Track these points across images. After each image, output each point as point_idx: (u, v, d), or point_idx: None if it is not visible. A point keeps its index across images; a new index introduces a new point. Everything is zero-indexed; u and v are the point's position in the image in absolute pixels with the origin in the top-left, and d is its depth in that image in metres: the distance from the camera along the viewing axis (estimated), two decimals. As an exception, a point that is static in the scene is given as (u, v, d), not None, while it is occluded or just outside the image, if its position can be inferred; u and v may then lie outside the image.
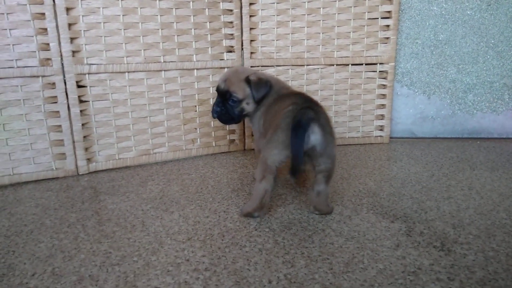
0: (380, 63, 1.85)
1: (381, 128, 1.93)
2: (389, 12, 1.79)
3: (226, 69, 1.72)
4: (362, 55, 1.82)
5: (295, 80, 1.80)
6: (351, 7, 1.76)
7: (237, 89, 1.28)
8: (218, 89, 1.33)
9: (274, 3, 1.71)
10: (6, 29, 1.33)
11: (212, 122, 1.76)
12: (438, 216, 1.15)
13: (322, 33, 1.77)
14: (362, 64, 1.83)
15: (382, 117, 1.91)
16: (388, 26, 1.81)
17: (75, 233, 1.07)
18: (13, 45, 1.35)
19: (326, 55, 1.80)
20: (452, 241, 1.01)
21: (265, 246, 0.99)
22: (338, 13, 1.76)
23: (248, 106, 1.31)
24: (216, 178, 1.48)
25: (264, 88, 1.29)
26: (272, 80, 1.33)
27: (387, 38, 1.82)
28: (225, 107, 1.31)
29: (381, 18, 1.79)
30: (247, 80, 1.29)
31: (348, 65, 1.82)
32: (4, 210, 1.21)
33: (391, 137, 1.98)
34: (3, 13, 1.32)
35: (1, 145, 1.39)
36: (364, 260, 0.93)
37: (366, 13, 1.78)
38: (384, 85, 1.87)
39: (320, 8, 1.74)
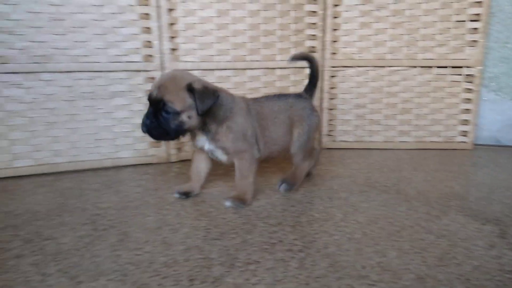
0: (466, 67, 1.79)
1: (464, 134, 1.86)
2: (477, 15, 1.74)
3: (307, 68, 1.78)
4: (448, 58, 1.78)
5: (375, 81, 1.81)
6: (437, 9, 1.73)
7: (174, 99, 1.06)
8: (149, 97, 1.08)
9: (358, 4, 1.73)
10: (116, 27, 1.50)
11: (291, 120, 1.81)
12: (534, 222, 1.11)
13: (407, 34, 1.76)
14: (447, 67, 1.79)
15: (466, 122, 1.85)
16: (476, 29, 1.75)
17: (176, 210, 1.17)
18: (121, 42, 1.51)
19: (409, 56, 1.78)
20: (554, 246, 0.97)
21: (353, 236, 1.02)
22: (424, 15, 1.74)
23: (190, 120, 1.09)
24: (296, 172, 1.53)
25: (210, 99, 1.08)
26: (219, 90, 1.16)
27: (475, 41, 1.76)
28: (158, 120, 1.07)
29: (469, 21, 1.75)
30: (189, 88, 1.07)
31: (432, 67, 1.79)
32: (110, 188, 1.36)
33: (474, 144, 1.91)
34: (114, 13, 1.48)
35: (107, 131, 1.55)
36: (458, 256, 0.93)
37: (453, 15, 1.74)
38: (470, 89, 1.81)
39: (405, 10, 1.74)
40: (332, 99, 1.83)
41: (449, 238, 1.02)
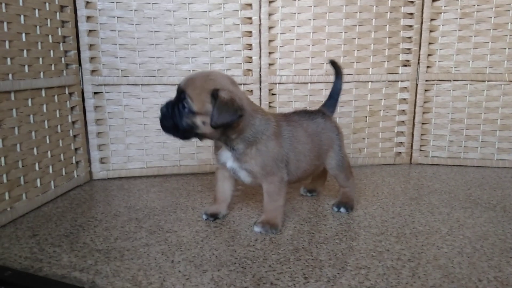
0: None
1: None
2: None
3: (400, 82, 1.77)
4: (556, 72, 1.67)
5: (473, 95, 1.75)
6: (545, 21, 1.65)
7: (195, 97, 0.98)
8: (178, 86, 1.05)
9: (457, 18, 1.70)
10: (222, 44, 1.63)
11: (380, 133, 1.81)
12: None
13: (508, 48, 1.69)
14: (555, 82, 1.68)
15: None
16: None
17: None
18: (225, 57, 1.64)
19: (510, 71, 1.70)
20: None
21: (464, 250, 1.00)
22: (530, 27, 1.66)
23: (204, 127, 1.00)
24: (389, 186, 1.53)
25: (230, 115, 0.96)
26: (247, 106, 1.02)
27: None
28: (173, 111, 1.02)
29: None
30: (214, 94, 0.97)
31: (537, 82, 1.69)
32: (213, 191, 1.46)
33: None
34: (221, 31, 1.62)
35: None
36: None
37: None
38: None
39: (508, 23, 1.67)
40: (425, 113, 1.80)
41: None
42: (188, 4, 1.58)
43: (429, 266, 0.92)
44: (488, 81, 1.73)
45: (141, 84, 1.60)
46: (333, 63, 1.30)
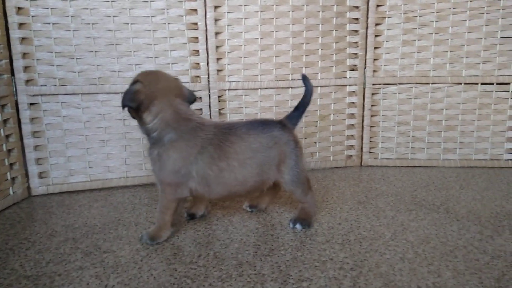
0: (513, 83, 1.75)
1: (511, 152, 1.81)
2: (526, 29, 1.70)
3: (348, 86, 1.79)
4: (493, 75, 1.75)
5: (418, 98, 1.79)
6: (482, 26, 1.71)
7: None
8: None
9: (401, 23, 1.74)
10: (167, 51, 1.58)
11: (331, 137, 1.82)
12: None
13: (450, 51, 1.75)
14: (493, 84, 1.76)
15: (514, 139, 1.79)
16: (524, 44, 1.71)
17: (225, 226, 1.20)
18: (172, 64, 1.59)
19: (453, 73, 1.76)
20: None
21: (405, 256, 1.01)
22: (468, 32, 1.72)
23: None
24: (338, 190, 1.54)
25: (124, 100, 1.05)
26: (159, 105, 1.07)
27: (523, 56, 1.72)
28: None
29: (517, 36, 1.71)
30: (132, 82, 1.09)
31: (477, 84, 1.76)
32: (160, 203, 1.41)
33: (523, 162, 1.84)
34: (166, 37, 1.56)
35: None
36: (517, 279, 0.90)
37: (499, 31, 1.71)
38: (517, 105, 1.76)
39: (448, 27, 1.73)
40: (373, 116, 1.83)
41: (506, 258, 0.99)
42: (129, 9, 1.51)
43: (370, 275, 0.92)
44: (432, 83, 1.78)
45: (81, 93, 1.52)
46: (304, 78, 1.22)
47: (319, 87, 1.77)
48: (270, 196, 1.33)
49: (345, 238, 1.12)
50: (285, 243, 1.09)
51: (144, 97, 1.06)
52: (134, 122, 1.56)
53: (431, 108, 1.80)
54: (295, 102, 1.74)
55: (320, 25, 1.71)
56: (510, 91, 1.76)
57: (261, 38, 1.66)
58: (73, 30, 1.48)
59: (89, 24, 1.49)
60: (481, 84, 1.76)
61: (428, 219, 1.24)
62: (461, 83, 1.77)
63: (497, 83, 1.76)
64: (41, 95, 1.49)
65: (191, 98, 1.17)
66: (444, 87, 1.78)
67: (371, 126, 1.84)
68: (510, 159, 1.81)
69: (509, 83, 1.76)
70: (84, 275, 0.94)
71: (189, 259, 1.00)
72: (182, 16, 1.56)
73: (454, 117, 1.80)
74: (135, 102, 1.05)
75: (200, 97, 1.64)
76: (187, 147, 1.05)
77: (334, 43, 1.74)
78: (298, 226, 1.18)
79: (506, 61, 1.74)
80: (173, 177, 1.06)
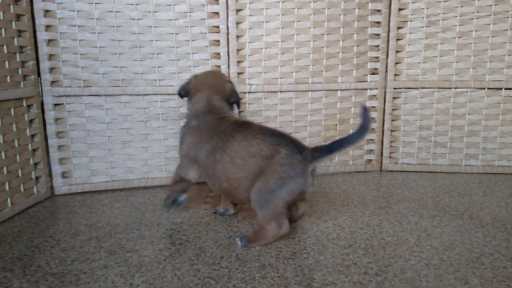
0: (539, 88, 1.71)
1: (537, 158, 1.76)
2: (553, 33, 1.67)
3: (368, 90, 1.78)
4: (519, 79, 1.72)
5: (440, 103, 1.77)
6: (507, 30, 1.69)
7: None
8: None
9: (423, 27, 1.72)
10: (189, 53, 1.59)
11: (351, 141, 1.81)
12: None
13: (473, 56, 1.72)
14: (518, 89, 1.73)
15: (539, 146, 1.75)
16: (550, 48, 1.68)
17: (246, 228, 1.20)
18: (193, 67, 1.60)
19: (476, 78, 1.73)
20: None
21: (431, 262, 0.99)
22: (492, 36, 1.69)
23: None
24: (359, 194, 1.52)
25: (179, 88, 1.33)
26: (197, 96, 1.26)
27: (549, 61, 1.69)
28: None
29: (543, 40, 1.68)
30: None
31: (501, 89, 1.73)
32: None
33: (549, 169, 1.79)
34: (188, 40, 1.58)
35: (176, 150, 1.63)
36: (548, 288, 0.87)
37: (525, 35, 1.68)
38: (543, 111, 1.72)
39: (472, 31, 1.70)
40: (394, 120, 1.81)
41: (536, 268, 0.96)
42: (153, 12, 1.54)
43: (396, 280, 0.91)
44: (454, 88, 1.75)
45: (105, 95, 1.54)
46: (365, 110, 1.07)
47: (339, 91, 1.76)
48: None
49: (368, 243, 1.10)
50: (307, 246, 1.08)
51: (191, 88, 1.27)
52: (156, 124, 1.58)
53: (453, 113, 1.77)
54: (315, 106, 1.74)
55: (342, 28, 1.70)
56: (536, 97, 1.72)
57: (281, 41, 1.67)
58: (98, 33, 1.51)
59: (113, 26, 1.51)
60: (505, 89, 1.73)
61: (452, 225, 1.22)
62: (484, 88, 1.74)
63: (522, 88, 1.72)
64: (65, 96, 1.51)
65: (232, 99, 1.28)
66: (467, 92, 1.75)
67: (391, 131, 1.83)
68: (535, 166, 1.77)
69: (534, 88, 1.72)
70: (109, 274, 0.95)
71: (211, 260, 1.00)
72: (204, 19, 1.58)
73: (477, 122, 1.77)
74: (184, 91, 1.29)
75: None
76: (201, 134, 1.18)
77: (355, 47, 1.73)
78: (238, 239, 1.09)
79: (531, 66, 1.70)
80: (184, 156, 1.22)
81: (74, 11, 1.48)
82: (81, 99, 1.53)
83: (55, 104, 1.51)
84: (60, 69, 1.50)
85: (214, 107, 1.22)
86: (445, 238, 1.13)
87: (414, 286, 0.88)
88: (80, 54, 1.51)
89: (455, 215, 1.30)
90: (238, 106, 1.32)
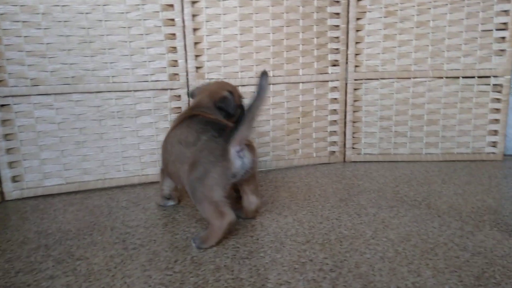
0: (494, 76, 1.75)
1: (493, 145, 1.81)
2: (505, 24, 1.70)
3: (330, 82, 1.77)
4: (474, 68, 1.75)
5: (400, 92, 1.78)
6: (463, 19, 1.71)
7: None
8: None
9: (381, 17, 1.72)
10: (144, 48, 1.53)
11: (313, 133, 1.81)
12: None
13: (431, 45, 1.74)
14: (474, 77, 1.76)
15: (495, 132, 1.80)
16: (503, 38, 1.72)
17: (204, 228, 1.17)
18: (148, 61, 1.55)
19: (434, 67, 1.75)
20: None
21: (386, 255, 1.00)
22: (449, 26, 1.71)
23: None
24: (321, 187, 1.52)
25: None
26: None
27: (503, 50, 1.73)
28: None
29: (496, 30, 1.71)
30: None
31: (458, 78, 1.76)
32: (138, 205, 1.37)
33: (504, 155, 1.85)
34: (142, 34, 1.52)
35: (134, 149, 1.58)
36: (496, 275, 0.89)
37: (480, 25, 1.71)
38: (498, 99, 1.77)
39: (429, 21, 1.72)
40: (356, 111, 1.82)
41: (486, 255, 0.98)
42: (103, 5, 1.46)
43: (349, 276, 0.90)
44: (413, 78, 1.77)
45: (54, 94, 1.47)
46: (263, 75, 1.02)
47: (300, 83, 1.75)
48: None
49: (326, 237, 1.10)
50: (265, 244, 1.06)
51: (196, 91, 1.36)
52: (111, 123, 1.52)
53: (413, 102, 1.79)
54: (277, 99, 1.72)
55: (301, 20, 1.68)
56: (491, 84, 1.76)
57: (240, 34, 1.63)
58: (44, 28, 1.42)
59: (61, 21, 1.43)
60: (463, 77, 1.76)
61: (409, 215, 1.23)
62: (442, 77, 1.76)
63: (478, 77, 1.76)
64: (12, 96, 1.43)
65: (219, 104, 1.27)
66: (426, 81, 1.77)
67: (353, 122, 1.83)
68: (492, 152, 1.82)
69: (490, 77, 1.76)
70: (55, 285, 0.90)
71: (165, 265, 0.97)
72: (158, 12, 1.52)
73: (436, 111, 1.79)
74: (191, 93, 1.39)
75: (179, 96, 1.60)
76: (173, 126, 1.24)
77: (315, 38, 1.72)
78: (192, 241, 1.06)
79: (487, 54, 1.74)
80: None
81: (17, 5, 1.39)
82: (29, 99, 1.45)
83: (1, 105, 1.43)
84: (4, 68, 1.41)
85: (198, 106, 1.26)
86: (401, 229, 1.14)
87: (368, 281, 0.88)
88: (26, 51, 1.42)
89: (413, 205, 1.31)
90: (228, 115, 1.27)
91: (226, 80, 1.64)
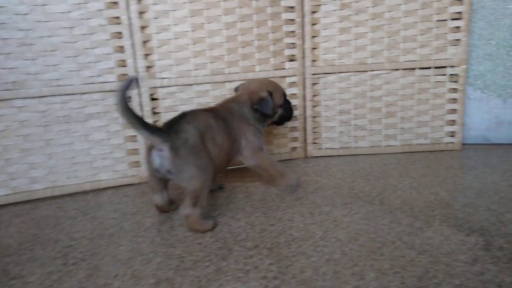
0: (450, 66, 1.76)
1: (452, 135, 1.83)
2: (459, 13, 1.70)
3: (287, 77, 1.74)
4: (431, 59, 1.75)
5: (358, 86, 1.77)
6: (417, 9, 1.70)
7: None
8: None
9: (336, 10, 1.70)
10: (88, 48, 1.46)
11: (273, 130, 1.78)
12: (520, 230, 1.07)
13: (387, 37, 1.72)
14: (430, 68, 1.76)
15: (453, 122, 1.81)
16: (458, 27, 1.72)
17: (151, 237, 1.14)
18: (94, 62, 1.48)
19: (391, 59, 1.75)
20: (539, 258, 0.94)
21: (332, 257, 0.99)
22: (404, 17, 1.70)
23: None
24: (279, 186, 1.50)
25: None
26: None
27: (458, 40, 1.73)
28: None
29: (451, 19, 1.71)
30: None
31: (415, 69, 1.76)
32: (87, 215, 1.32)
33: (463, 144, 1.87)
34: (85, 34, 1.45)
35: (84, 154, 1.52)
36: (438, 275, 0.89)
37: (434, 15, 1.70)
38: (455, 89, 1.78)
39: (384, 12, 1.70)
40: (315, 106, 1.80)
41: (431, 253, 0.98)
42: (42, 5, 1.39)
43: (292, 282, 0.89)
44: (370, 71, 1.76)
45: (-6, 100, 1.39)
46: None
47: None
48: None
49: (275, 241, 1.08)
50: (212, 252, 1.04)
51: (240, 88, 1.45)
52: (58, 128, 1.45)
53: (370, 95, 1.78)
54: (232, 97, 1.67)
55: (254, 15, 1.64)
56: (448, 75, 1.77)
57: (192, 31, 1.58)
58: (-22, 31, 1.34)
59: (-5, 23, 1.35)
60: (419, 69, 1.76)
61: (362, 212, 1.23)
62: (399, 69, 1.76)
63: (435, 67, 1.76)
64: None
65: (255, 106, 1.35)
66: (383, 73, 1.76)
67: (313, 117, 1.81)
68: (451, 142, 1.83)
69: (446, 67, 1.76)
70: (-17, 309, 0.85)
71: (103, 280, 0.93)
72: (102, 10, 1.45)
73: (394, 103, 1.79)
74: (234, 89, 1.47)
75: (130, 96, 1.54)
76: None
77: (271, 33, 1.68)
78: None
79: (442, 45, 1.74)
80: None
81: None
82: (-34, 106, 1.37)
83: None
84: None
85: (232, 101, 1.37)
86: (351, 228, 1.13)
87: (310, 287, 0.87)
88: (-41, 55, 1.34)
89: (367, 201, 1.31)
90: (264, 116, 1.36)
91: (180, 79, 1.60)
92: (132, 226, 1.21)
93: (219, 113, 1.29)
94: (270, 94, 1.36)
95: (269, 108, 1.34)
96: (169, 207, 1.29)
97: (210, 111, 1.29)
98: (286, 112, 1.46)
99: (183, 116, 1.20)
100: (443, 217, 1.17)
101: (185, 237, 1.13)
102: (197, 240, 1.11)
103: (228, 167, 1.37)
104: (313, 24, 1.71)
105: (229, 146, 1.27)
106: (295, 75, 1.74)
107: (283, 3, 1.66)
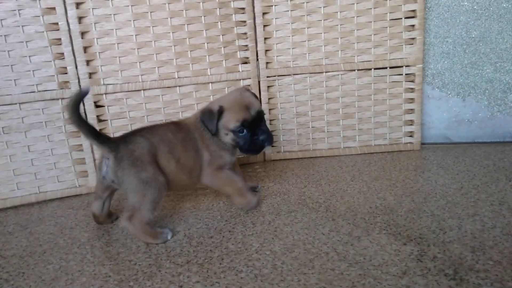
0: (406, 66, 1.73)
1: (410, 134, 1.81)
2: (413, 11, 1.68)
3: (241, 80, 1.71)
4: (386, 58, 1.72)
5: (314, 88, 1.74)
6: (371, 8, 1.67)
7: None
8: (257, 113, 1.23)
9: (288, 11, 1.66)
10: (26, 56, 1.41)
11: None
12: (457, 237, 1.05)
13: (341, 38, 1.69)
14: (386, 68, 1.73)
15: (411, 122, 1.79)
16: (413, 26, 1.69)
17: (83, 254, 1.10)
18: (33, 71, 1.43)
19: (346, 60, 1.72)
20: (468, 268, 0.92)
21: (261, 272, 0.96)
22: (357, 16, 1.67)
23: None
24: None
25: None
26: None
27: (413, 38, 1.70)
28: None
29: (405, 18, 1.68)
30: None
31: (370, 69, 1.73)
32: (25, 230, 1.28)
33: (423, 143, 1.86)
34: (22, 41, 1.40)
35: (27, 166, 1.47)
36: (364, 289, 0.87)
37: (388, 14, 1.68)
38: (412, 88, 1.76)
39: (337, 12, 1.67)
40: (271, 109, 1.77)
41: (362, 265, 0.96)
42: (-27, 12, 1.33)
43: (213, 303, 0.86)
44: (326, 72, 1.73)
45: None
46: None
47: (210, 84, 1.67)
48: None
49: (209, 255, 1.05)
50: (140, 270, 1.00)
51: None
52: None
53: (327, 97, 1.76)
54: (186, 101, 1.65)
55: (203, 17, 1.59)
56: (404, 74, 1.75)
57: (136, 35, 1.53)
58: None
59: None
60: (375, 69, 1.74)
61: (304, 221, 1.20)
62: (354, 70, 1.73)
63: (390, 67, 1.74)
64: None
65: (199, 117, 1.28)
66: (338, 74, 1.74)
67: (270, 120, 1.78)
68: (409, 142, 1.82)
69: (402, 66, 1.74)
70: None
71: (19, 305, 0.90)
72: (39, 16, 1.40)
73: (351, 104, 1.77)
74: None
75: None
76: None
77: (221, 36, 1.64)
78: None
79: (397, 44, 1.71)
80: None
81: None
82: None
83: None
84: None
85: (195, 114, 1.32)
86: (290, 238, 1.10)
87: (230, 308, 0.84)
88: None
89: (313, 208, 1.29)
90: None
91: (126, 85, 1.55)
92: (67, 242, 1.17)
93: (182, 126, 1.25)
94: (221, 110, 1.23)
95: (210, 123, 1.23)
96: (105, 219, 1.25)
97: (174, 124, 1.27)
98: (238, 143, 1.24)
99: (141, 129, 1.20)
100: (384, 224, 1.15)
101: (117, 254, 1.09)
102: (129, 256, 1.07)
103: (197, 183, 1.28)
104: (265, 26, 1.67)
105: (189, 160, 1.21)
106: (249, 78, 1.71)
107: (233, 4, 1.62)
